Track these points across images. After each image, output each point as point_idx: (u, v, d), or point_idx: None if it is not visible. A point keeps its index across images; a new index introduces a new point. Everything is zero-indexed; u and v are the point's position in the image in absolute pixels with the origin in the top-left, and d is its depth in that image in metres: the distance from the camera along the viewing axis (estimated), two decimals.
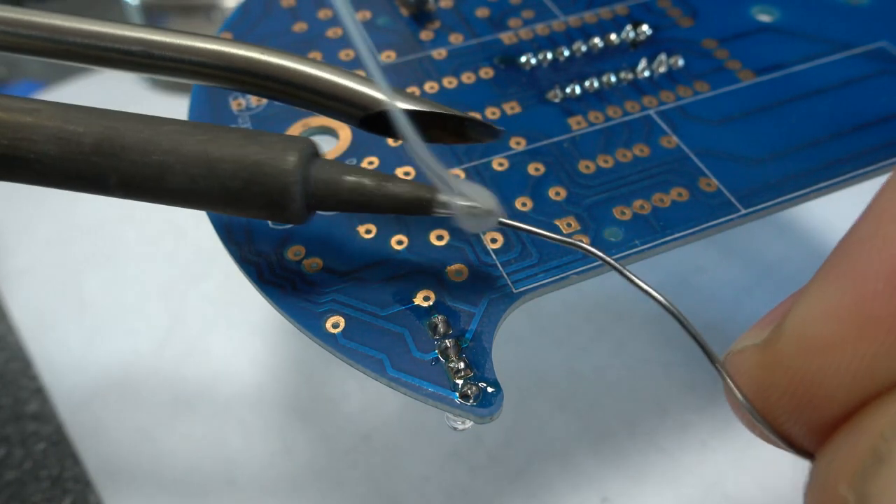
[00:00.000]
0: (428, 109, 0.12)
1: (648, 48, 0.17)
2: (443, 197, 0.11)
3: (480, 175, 0.14)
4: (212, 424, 0.20)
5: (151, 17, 0.30)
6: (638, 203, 0.14)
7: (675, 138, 0.15)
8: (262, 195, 0.11)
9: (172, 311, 0.22)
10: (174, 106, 0.30)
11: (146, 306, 0.22)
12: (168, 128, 0.11)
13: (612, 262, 0.11)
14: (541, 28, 0.17)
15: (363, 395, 0.20)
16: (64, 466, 0.19)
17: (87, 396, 0.21)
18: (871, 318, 0.08)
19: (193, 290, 0.23)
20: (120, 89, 0.31)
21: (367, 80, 0.12)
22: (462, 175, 0.14)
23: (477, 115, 0.15)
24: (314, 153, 0.11)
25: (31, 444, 0.20)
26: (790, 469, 0.17)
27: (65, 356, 0.22)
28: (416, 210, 0.11)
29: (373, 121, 0.12)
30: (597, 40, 0.17)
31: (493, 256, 0.13)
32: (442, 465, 0.19)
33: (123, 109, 0.12)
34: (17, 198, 0.27)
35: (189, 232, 0.24)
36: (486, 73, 0.16)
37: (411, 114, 0.11)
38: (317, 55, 0.17)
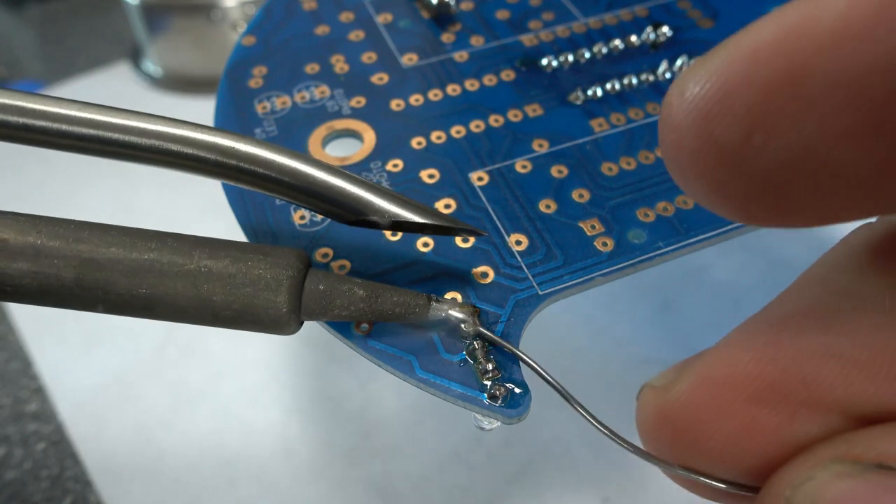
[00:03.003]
0: (428, 221, 0.12)
1: (669, 50, 0.17)
2: (433, 311, 0.12)
3: (504, 177, 0.14)
4: (211, 424, 0.20)
5: (152, 16, 0.30)
6: (661, 205, 0.14)
7: None
8: (254, 324, 0.11)
9: None
10: (174, 106, 0.30)
11: None
12: (151, 256, 0.11)
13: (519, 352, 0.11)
14: (561, 30, 0.17)
15: (363, 395, 0.20)
16: (64, 466, 0.20)
17: (87, 396, 0.21)
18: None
19: None
20: (120, 89, 0.31)
21: (362, 182, 0.11)
22: (486, 178, 0.14)
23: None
24: (305, 272, 0.11)
25: (31, 444, 0.20)
26: None
27: (65, 356, 0.22)
28: (411, 320, 0.12)
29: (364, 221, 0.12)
30: (617, 42, 0.17)
31: (519, 258, 0.13)
32: (442, 465, 0.19)
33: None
34: (16, 196, 0.27)
35: (193, 229, 0.25)
36: (508, 75, 0.16)
37: (411, 223, 0.11)
38: (339, 57, 0.17)
